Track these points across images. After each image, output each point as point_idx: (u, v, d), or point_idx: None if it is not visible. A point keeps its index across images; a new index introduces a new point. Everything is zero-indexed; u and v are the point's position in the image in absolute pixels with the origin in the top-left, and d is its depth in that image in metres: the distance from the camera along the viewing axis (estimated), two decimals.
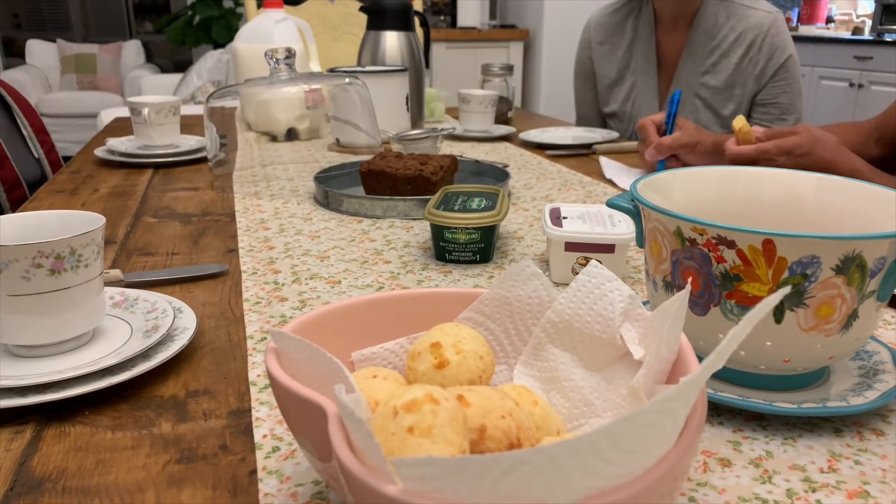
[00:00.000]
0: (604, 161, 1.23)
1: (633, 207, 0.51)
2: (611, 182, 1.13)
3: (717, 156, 1.08)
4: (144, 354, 0.52)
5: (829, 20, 4.65)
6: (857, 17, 4.57)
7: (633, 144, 1.38)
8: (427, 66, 1.63)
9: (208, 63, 4.19)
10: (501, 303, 0.42)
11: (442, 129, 1.26)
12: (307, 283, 0.69)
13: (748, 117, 1.47)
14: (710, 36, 1.44)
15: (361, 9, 1.56)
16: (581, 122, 1.74)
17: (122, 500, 0.39)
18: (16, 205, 1.54)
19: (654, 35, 1.51)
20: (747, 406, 0.44)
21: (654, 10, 1.49)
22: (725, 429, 0.45)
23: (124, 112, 2.36)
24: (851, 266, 0.41)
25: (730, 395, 0.45)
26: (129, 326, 0.56)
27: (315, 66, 1.53)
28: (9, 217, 0.54)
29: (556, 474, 0.24)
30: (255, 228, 0.87)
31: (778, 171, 0.55)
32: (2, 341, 0.51)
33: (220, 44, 4.80)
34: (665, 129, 1.13)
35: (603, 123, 1.69)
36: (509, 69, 1.65)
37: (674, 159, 1.11)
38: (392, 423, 0.28)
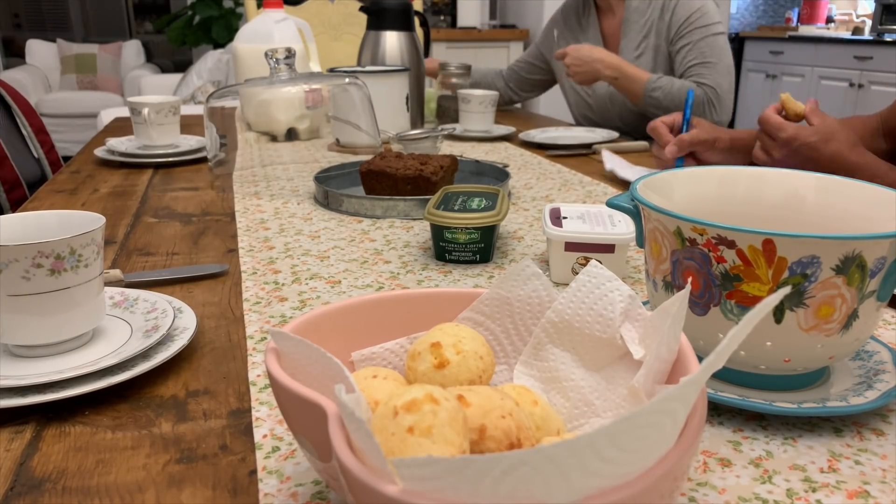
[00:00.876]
0: (605, 154, 1.22)
1: (633, 207, 0.51)
2: (611, 174, 1.13)
3: (735, 153, 1.07)
4: (144, 354, 0.52)
5: (829, 20, 4.65)
6: (857, 17, 4.57)
7: (632, 144, 1.38)
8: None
9: (208, 63, 4.19)
10: (501, 303, 0.42)
11: (442, 129, 1.26)
12: (307, 283, 0.69)
13: (672, 74, 1.54)
14: (641, 12, 1.53)
15: (361, 9, 1.56)
16: (514, 72, 1.88)
17: (122, 500, 0.39)
18: (16, 205, 1.54)
19: (596, 18, 1.63)
20: (747, 406, 0.44)
21: None
22: (725, 429, 0.45)
23: (124, 112, 2.36)
24: (851, 266, 0.41)
25: (730, 395, 0.45)
26: (129, 326, 0.56)
27: (315, 66, 1.53)
28: (9, 217, 0.54)
29: (556, 474, 0.24)
30: (255, 228, 0.87)
31: (778, 171, 0.55)
32: (2, 341, 0.51)
33: (220, 44, 4.80)
34: (679, 129, 1.11)
35: (526, 84, 1.86)
36: (467, 69, 1.68)
37: (691, 157, 1.10)
38: (392, 423, 0.28)
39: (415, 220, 0.90)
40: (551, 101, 3.95)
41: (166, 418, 0.47)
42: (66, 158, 3.39)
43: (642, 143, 1.39)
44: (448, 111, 1.65)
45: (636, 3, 1.54)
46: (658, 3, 1.51)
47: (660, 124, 1.13)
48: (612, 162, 1.17)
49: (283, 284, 0.69)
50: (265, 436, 0.44)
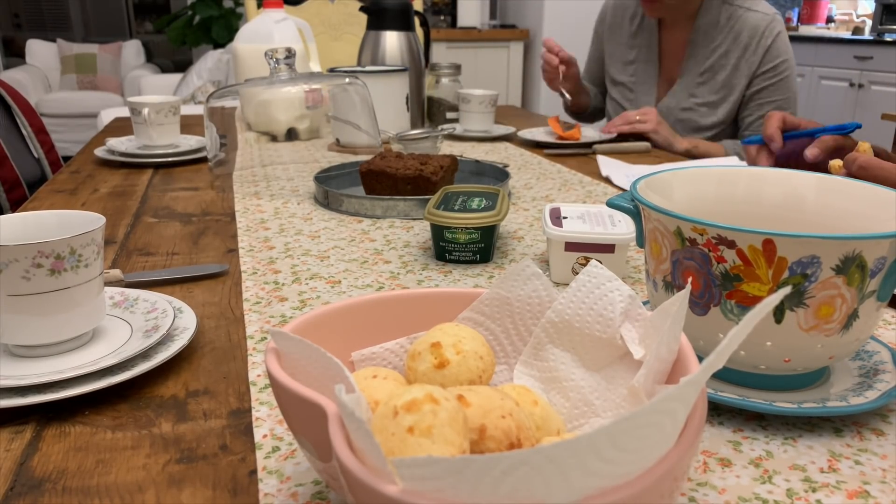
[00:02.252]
0: (601, 159, 1.23)
1: (633, 207, 0.51)
2: (607, 179, 1.13)
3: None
4: (144, 354, 0.52)
5: (829, 20, 4.65)
6: (857, 17, 4.57)
7: (632, 145, 1.38)
8: (427, 66, 1.64)
9: (208, 63, 4.19)
10: (501, 303, 0.42)
11: (442, 129, 1.26)
12: (307, 283, 0.69)
13: (740, 116, 1.49)
14: (711, 37, 1.46)
15: (361, 9, 1.56)
16: (586, 75, 1.78)
17: (122, 500, 0.39)
18: (16, 205, 1.54)
19: (657, 27, 1.54)
20: (747, 406, 0.44)
21: None
22: (725, 429, 0.45)
23: (124, 112, 2.36)
24: (851, 266, 0.41)
25: (730, 395, 0.45)
26: (129, 326, 0.56)
27: (315, 66, 1.53)
28: (9, 217, 0.54)
29: (556, 474, 0.24)
30: (255, 228, 0.87)
31: (778, 171, 0.55)
32: (2, 341, 0.51)
33: (220, 44, 4.80)
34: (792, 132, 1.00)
35: (602, 83, 1.76)
36: (457, 68, 1.66)
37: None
38: (392, 423, 0.28)
39: (415, 220, 0.90)
40: (552, 101, 3.95)
41: (166, 418, 0.47)
42: (66, 158, 3.39)
43: (643, 144, 1.39)
44: (437, 115, 1.64)
45: (705, 27, 1.46)
46: (734, 34, 1.43)
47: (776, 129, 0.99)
48: (608, 168, 1.17)
49: (283, 284, 0.69)
50: (265, 436, 0.44)
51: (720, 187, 0.55)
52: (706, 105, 1.49)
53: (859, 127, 0.97)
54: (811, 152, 0.93)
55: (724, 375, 0.48)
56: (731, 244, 0.42)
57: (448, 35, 3.94)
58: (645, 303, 0.59)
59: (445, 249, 0.75)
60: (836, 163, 0.82)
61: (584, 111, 1.78)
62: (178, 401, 0.49)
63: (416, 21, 1.64)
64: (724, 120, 1.49)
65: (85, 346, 0.54)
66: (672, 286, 0.47)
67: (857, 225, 0.50)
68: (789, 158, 0.98)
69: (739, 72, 1.45)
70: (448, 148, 1.39)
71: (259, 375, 0.52)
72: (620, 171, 1.15)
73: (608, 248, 0.68)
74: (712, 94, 1.48)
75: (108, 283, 0.67)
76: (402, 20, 1.52)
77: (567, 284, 0.60)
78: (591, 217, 0.72)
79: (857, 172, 0.79)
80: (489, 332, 0.42)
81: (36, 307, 0.49)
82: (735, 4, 1.45)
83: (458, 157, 1.08)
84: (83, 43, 5.51)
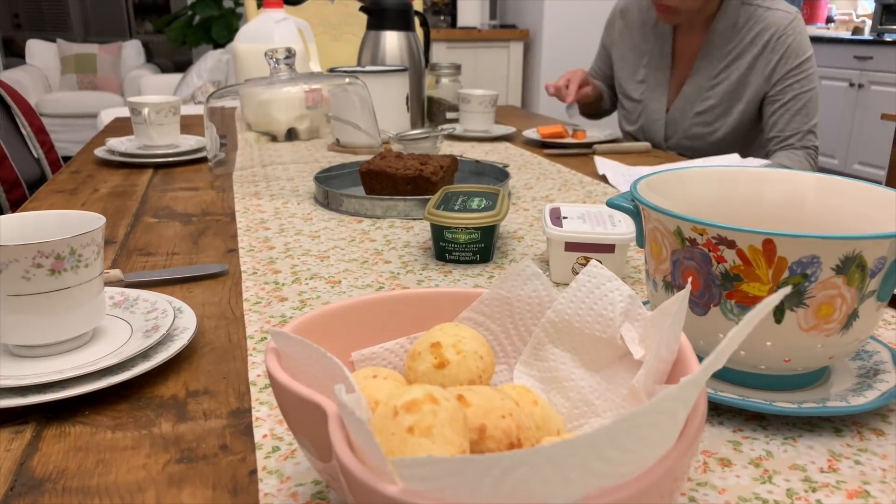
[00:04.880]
0: (598, 160, 1.23)
1: (633, 207, 0.51)
2: (604, 178, 1.13)
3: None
4: (144, 354, 0.52)
5: (829, 20, 4.65)
6: (857, 17, 4.57)
7: (632, 145, 1.38)
8: (427, 66, 1.64)
9: (208, 63, 4.19)
10: (501, 303, 0.42)
11: (442, 129, 1.26)
12: (307, 283, 0.69)
13: (759, 117, 1.46)
14: (727, 39, 1.43)
15: (361, 9, 1.56)
16: (596, 74, 1.76)
17: (122, 500, 0.39)
18: (15, 205, 1.54)
19: (671, 32, 1.51)
20: (747, 406, 0.44)
21: None
22: (725, 429, 0.45)
23: (124, 112, 2.37)
24: (851, 266, 0.41)
25: (730, 395, 0.45)
26: (129, 326, 0.56)
27: (315, 66, 1.53)
28: (9, 217, 0.54)
29: (556, 474, 0.24)
30: (255, 228, 0.87)
31: (778, 171, 0.55)
32: (2, 341, 0.51)
33: (220, 44, 4.81)
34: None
35: (612, 87, 1.74)
36: (457, 68, 1.65)
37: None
38: (392, 422, 0.28)
39: (415, 220, 0.90)
40: (552, 102, 3.95)
41: (166, 418, 0.47)
42: (66, 158, 3.39)
43: (643, 144, 1.39)
44: (437, 115, 1.64)
45: (721, 28, 1.42)
46: (753, 33, 1.40)
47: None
48: (604, 167, 1.17)
49: (283, 284, 0.69)
50: (265, 436, 0.44)
51: (720, 187, 0.55)
52: (718, 107, 1.44)
53: None
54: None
55: (724, 375, 0.48)
56: (731, 244, 0.42)
57: (448, 35, 3.94)
58: (645, 303, 0.59)
59: (445, 249, 0.75)
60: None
61: (596, 115, 1.77)
62: (178, 401, 0.49)
63: (416, 21, 1.64)
64: (734, 129, 1.45)
65: (85, 346, 0.54)
66: (672, 286, 0.47)
67: (857, 225, 0.50)
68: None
69: (756, 70, 1.41)
70: (448, 148, 1.39)
71: (259, 375, 0.52)
72: (618, 172, 1.15)
73: (608, 248, 0.68)
74: (725, 96, 1.44)
75: (108, 283, 0.67)
76: (402, 20, 1.52)
77: (567, 284, 0.60)
78: (591, 217, 0.72)
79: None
80: (489, 332, 0.42)
81: (36, 307, 0.49)
82: (755, 4, 1.41)
83: (458, 157, 1.08)
84: (83, 43, 5.51)
